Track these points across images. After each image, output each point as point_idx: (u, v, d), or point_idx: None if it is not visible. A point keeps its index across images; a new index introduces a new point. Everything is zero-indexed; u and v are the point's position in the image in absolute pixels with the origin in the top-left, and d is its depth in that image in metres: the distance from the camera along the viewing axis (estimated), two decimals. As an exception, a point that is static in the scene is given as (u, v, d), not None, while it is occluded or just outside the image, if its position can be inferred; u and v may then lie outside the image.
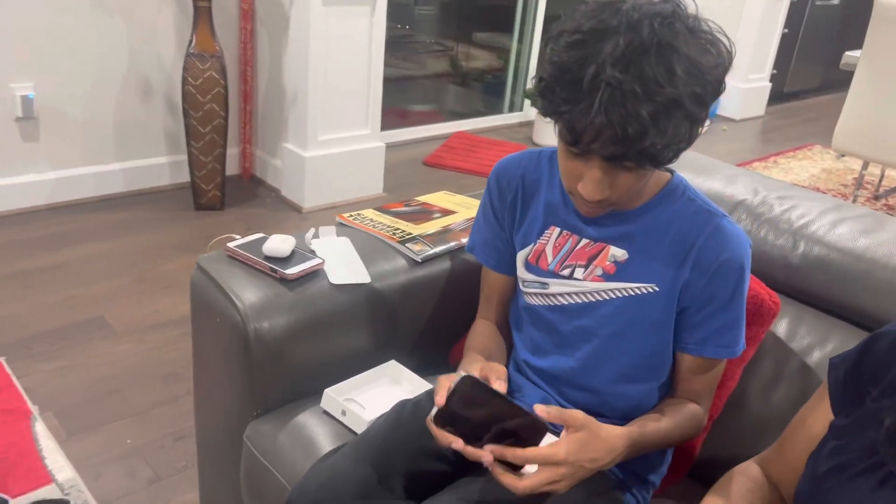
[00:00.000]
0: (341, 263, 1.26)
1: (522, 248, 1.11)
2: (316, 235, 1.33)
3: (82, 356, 2.03)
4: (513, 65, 4.64)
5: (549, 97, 0.86)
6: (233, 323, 1.15)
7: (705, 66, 0.85)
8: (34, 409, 1.80)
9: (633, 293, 1.02)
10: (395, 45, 5.01)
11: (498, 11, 4.85)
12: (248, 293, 1.16)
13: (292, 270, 1.19)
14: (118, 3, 2.72)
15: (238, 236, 1.29)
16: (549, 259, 1.07)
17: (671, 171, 1.06)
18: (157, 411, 1.87)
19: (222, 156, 2.86)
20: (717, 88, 0.87)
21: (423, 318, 1.32)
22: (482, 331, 1.18)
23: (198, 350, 1.29)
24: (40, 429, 1.75)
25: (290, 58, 2.93)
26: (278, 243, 1.23)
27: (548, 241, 1.07)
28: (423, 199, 1.59)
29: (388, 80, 3.21)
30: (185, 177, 2.97)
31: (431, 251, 1.33)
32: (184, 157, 2.91)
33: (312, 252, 1.27)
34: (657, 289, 1.01)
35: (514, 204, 1.11)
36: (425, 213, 1.49)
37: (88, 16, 2.66)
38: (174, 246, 2.64)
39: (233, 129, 3.14)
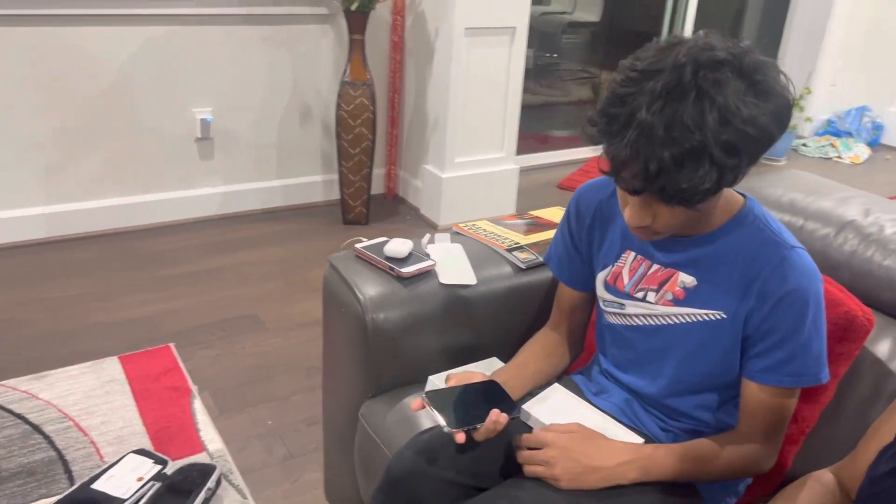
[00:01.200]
0: (452, 266, 1.40)
1: (602, 269, 1.18)
2: (432, 241, 1.47)
3: (237, 346, 2.30)
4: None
5: (595, 126, 0.94)
6: (355, 313, 1.31)
7: (744, 115, 0.86)
8: (194, 388, 2.08)
9: (701, 319, 1.06)
10: (541, 72, 5.15)
11: (644, 38, 4.86)
12: (368, 288, 1.32)
13: (407, 269, 1.34)
14: (284, 38, 3.06)
15: (365, 238, 1.46)
16: (626, 281, 1.14)
17: (744, 197, 1.08)
18: (297, 398, 2.09)
19: (369, 175, 3.12)
20: (761, 137, 0.88)
21: (524, 321, 1.42)
22: (540, 345, 1.28)
23: (327, 338, 1.47)
24: (198, 406, 2.03)
25: (433, 85, 3.14)
26: (397, 245, 1.38)
27: (624, 264, 1.14)
28: (536, 213, 1.70)
29: (531, 107, 3.35)
30: (335, 194, 3.26)
31: (535, 259, 1.44)
32: (335, 175, 3.19)
33: (427, 255, 1.41)
34: (724, 316, 1.04)
35: (592, 228, 1.19)
36: (536, 226, 1.60)
37: (259, 49, 3.02)
38: (322, 255, 2.91)
39: (380, 151, 3.40)
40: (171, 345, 2.26)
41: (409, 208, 3.42)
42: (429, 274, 1.37)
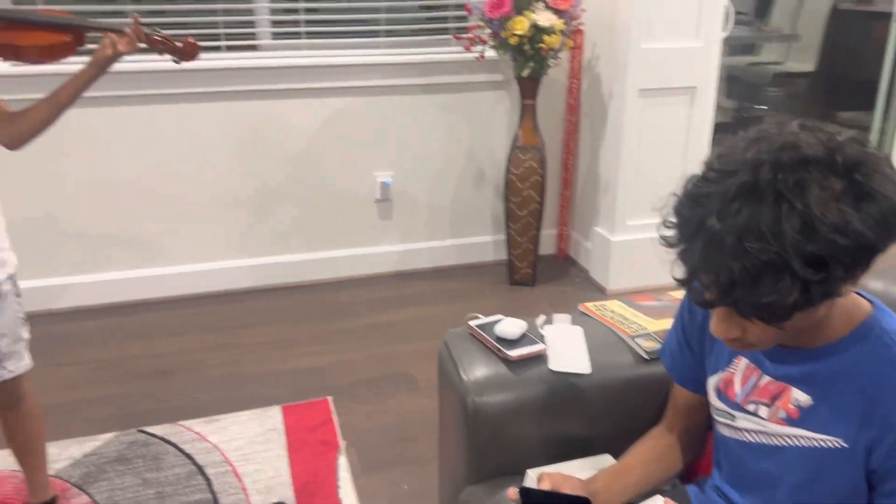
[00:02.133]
0: (566, 351, 1.33)
1: (713, 373, 1.06)
2: (549, 321, 1.42)
3: (388, 404, 2.37)
4: (875, 145, 4.12)
5: (666, 226, 0.85)
6: (458, 394, 1.29)
7: (833, 222, 0.74)
8: (343, 443, 2.17)
9: (818, 445, 0.91)
10: (747, 125, 4.83)
11: (863, 88, 4.39)
12: (474, 369, 1.30)
13: (515, 352, 1.30)
14: (461, 105, 3.17)
15: (481, 315, 1.45)
16: (737, 390, 1.01)
17: (872, 303, 0.92)
18: (436, 464, 2.10)
19: (536, 237, 3.10)
20: (857, 247, 0.75)
21: (642, 417, 1.31)
22: (651, 446, 1.16)
23: (441, 414, 1.47)
24: (343, 462, 2.10)
25: (606, 146, 3.07)
26: (509, 326, 1.35)
27: (736, 370, 1.01)
28: (677, 294, 1.57)
29: None
30: (503, 254, 3.27)
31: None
32: (503, 236, 3.21)
33: (541, 337, 1.36)
34: (844, 445, 0.88)
35: (704, 325, 1.07)
36: (671, 310, 1.48)
37: (437, 116, 3.16)
38: (485, 314, 2.92)
39: (553, 211, 3.38)
40: (330, 398, 2.38)
41: (579, 270, 3.34)
42: (540, 358, 1.32)
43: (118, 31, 1.53)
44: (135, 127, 2.82)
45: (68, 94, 1.53)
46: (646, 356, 1.32)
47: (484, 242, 3.39)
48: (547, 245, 3.39)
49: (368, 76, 3.03)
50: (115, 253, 2.96)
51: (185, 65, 1.65)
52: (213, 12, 2.86)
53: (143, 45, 1.57)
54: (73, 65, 1.52)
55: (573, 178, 3.38)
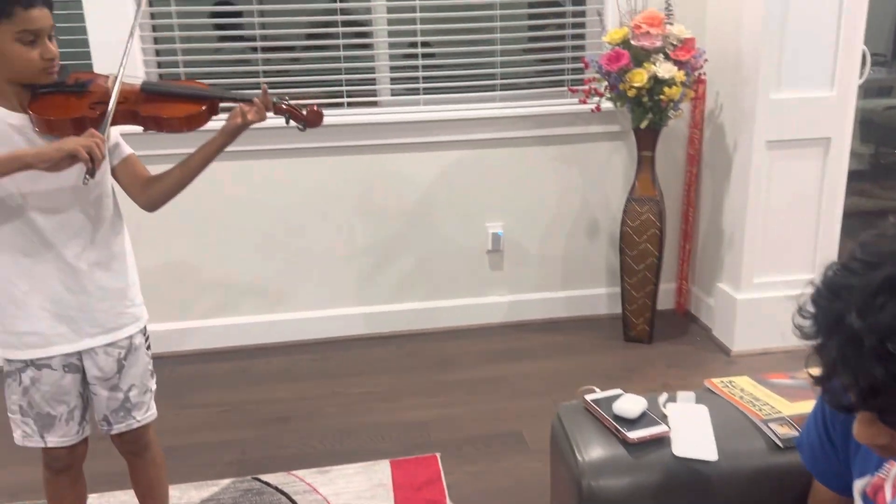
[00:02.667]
0: (690, 434, 1.25)
1: (860, 476, 0.95)
2: (672, 399, 1.34)
3: (497, 465, 2.32)
4: None
5: (802, 316, 0.77)
6: (573, 474, 1.23)
7: None
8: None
9: None
10: (885, 173, 4.51)
11: None
12: (590, 449, 1.24)
13: (634, 434, 1.23)
14: (576, 156, 3.13)
15: (598, 389, 1.39)
16: (888, 498, 0.89)
17: None
18: (545, 533, 2.02)
19: (653, 293, 2.98)
20: None
21: (777, 512, 1.20)
22: None
23: (552, 489, 1.41)
24: (447, 523, 2.05)
25: (730, 199, 2.93)
26: (628, 404, 1.28)
27: (887, 476, 0.90)
28: (815, 370, 1.45)
29: (866, 213, 2.94)
30: (618, 308, 3.17)
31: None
32: (618, 289, 3.11)
33: (662, 417, 1.28)
34: None
35: (848, 420, 0.96)
36: (808, 392, 1.36)
37: (550, 167, 3.13)
38: (599, 374, 2.83)
39: (671, 265, 3.25)
40: (438, 454, 2.36)
41: (700, 328, 3.18)
42: (661, 441, 1.24)
43: (248, 101, 1.61)
44: (262, 179, 2.97)
45: (200, 162, 1.62)
46: (780, 444, 1.22)
47: (597, 295, 3.30)
48: (665, 299, 3.26)
49: (483, 129, 3.05)
50: (241, 299, 3.09)
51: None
52: (338, 71, 2.98)
53: (271, 114, 1.64)
54: (209, 131, 1.61)
55: (694, 231, 3.25)
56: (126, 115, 1.53)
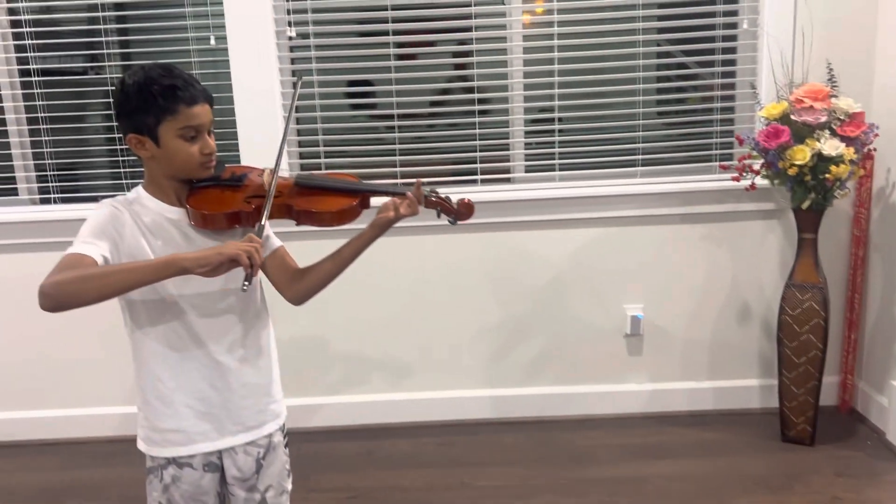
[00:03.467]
0: None
1: None
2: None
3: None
4: None
5: None
6: None
7: None
8: None
9: None
10: None
11: None
12: None
13: None
14: (725, 235, 2.91)
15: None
16: None
17: None
18: None
19: (816, 389, 2.67)
20: None
21: None
22: None
23: None
24: None
25: (908, 288, 2.61)
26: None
27: None
28: None
29: None
30: (773, 402, 2.86)
31: None
32: (774, 381, 2.82)
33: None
34: None
35: None
36: None
37: (696, 247, 2.92)
38: (754, 478, 2.53)
39: (833, 355, 2.92)
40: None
41: (870, 430, 2.82)
42: None
43: (401, 195, 1.55)
44: (392, 255, 2.92)
45: (350, 255, 1.57)
46: None
47: (749, 387, 3.01)
48: (827, 395, 2.92)
49: (623, 206, 2.90)
50: (367, 375, 3.04)
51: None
52: (473, 149, 2.93)
53: (422, 207, 1.58)
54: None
55: (860, 320, 2.92)
56: (280, 209, 1.50)
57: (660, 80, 2.93)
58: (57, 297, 1.27)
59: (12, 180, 2.93)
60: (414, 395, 3.05)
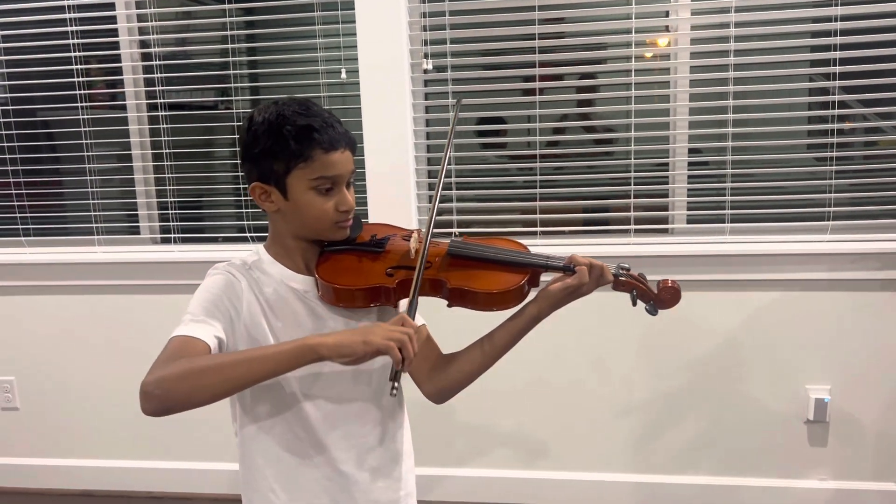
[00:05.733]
0: None
1: None
2: None
3: None
4: None
5: None
6: None
7: None
8: None
9: None
10: None
11: None
12: None
13: None
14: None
15: None
16: None
17: None
18: None
19: None
20: None
21: None
22: None
23: None
24: None
25: None
26: None
27: None
28: None
29: None
30: None
31: None
32: None
33: None
34: None
35: None
36: None
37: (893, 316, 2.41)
38: None
39: None
40: None
41: None
42: None
43: (570, 271, 1.21)
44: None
45: (506, 340, 1.26)
46: None
47: (968, 498, 2.44)
48: None
49: (808, 267, 2.43)
50: (496, 449, 2.69)
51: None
52: (626, 194, 2.55)
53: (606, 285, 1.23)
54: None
55: None
56: (428, 285, 1.19)
57: (854, 118, 2.46)
58: (164, 400, 1.00)
59: (135, 218, 2.82)
60: (548, 474, 2.66)
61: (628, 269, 1.25)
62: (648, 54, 2.53)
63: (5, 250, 2.84)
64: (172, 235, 2.78)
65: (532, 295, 1.25)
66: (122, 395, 2.79)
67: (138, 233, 2.82)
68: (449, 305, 1.21)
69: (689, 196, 2.56)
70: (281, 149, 1.13)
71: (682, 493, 2.60)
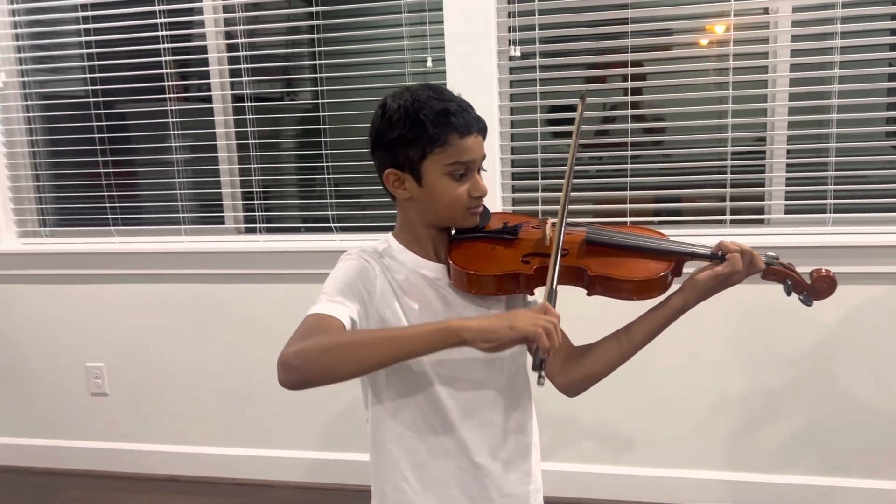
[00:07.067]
0: None
1: None
2: None
3: None
4: None
5: None
6: None
7: None
8: None
9: None
10: None
11: None
12: None
13: None
14: None
15: None
16: None
17: None
18: None
19: None
20: None
21: None
22: None
23: None
24: None
25: None
26: None
27: None
28: None
29: None
30: None
31: None
32: None
33: None
34: None
35: None
36: None
37: None
38: None
39: None
40: None
41: None
42: None
43: (719, 259, 1.16)
44: (619, 307, 2.52)
45: (646, 333, 1.22)
46: None
47: None
48: None
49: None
50: (581, 443, 2.64)
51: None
52: (721, 183, 2.47)
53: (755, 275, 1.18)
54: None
55: None
56: (568, 273, 1.15)
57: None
58: (303, 371, 0.98)
59: (220, 208, 2.85)
60: (637, 470, 2.60)
61: (776, 258, 1.19)
62: (744, 36, 2.43)
63: (96, 240, 2.91)
64: (257, 226, 2.80)
65: (675, 285, 1.20)
66: (208, 381, 2.84)
67: (223, 223, 2.85)
68: (589, 294, 1.17)
69: (787, 185, 2.46)
70: (418, 134, 1.11)
71: (779, 492, 2.51)
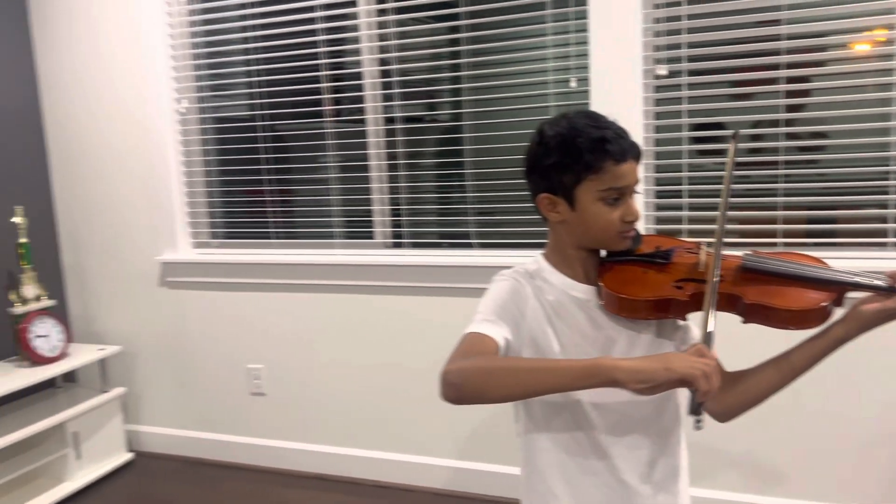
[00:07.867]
0: None
1: None
2: None
3: None
4: None
5: None
6: None
7: None
8: None
9: None
10: None
11: None
12: None
13: None
14: None
15: None
16: None
17: None
18: None
19: None
20: None
21: None
22: None
23: None
24: None
25: None
26: None
27: None
28: None
29: None
30: None
31: None
32: None
33: None
34: None
35: None
36: None
37: None
38: None
39: None
40: None
41: None
42: None
43: (886, 291, 1.13)
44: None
45: (805, 361, 1.19)
46: None
47: None
48: None
49: None
50: (721, 471, 2.56)
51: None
52: (884, 204, 2.33)
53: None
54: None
55: None
56: (723, 300, 1.16)
57: None
58: (459, 388, 1.06)
59: (369, 224, 3.02)
60: (783, 501, 2.49)
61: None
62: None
63: (259, 251, 3.16)
64: (404, 241, 2.95)
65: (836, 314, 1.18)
66: (356, 386, 3.01)
67: (371, 237, 3.02)
68: (744, 322, 1.17)
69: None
70: (573, 161, 1.16)
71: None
